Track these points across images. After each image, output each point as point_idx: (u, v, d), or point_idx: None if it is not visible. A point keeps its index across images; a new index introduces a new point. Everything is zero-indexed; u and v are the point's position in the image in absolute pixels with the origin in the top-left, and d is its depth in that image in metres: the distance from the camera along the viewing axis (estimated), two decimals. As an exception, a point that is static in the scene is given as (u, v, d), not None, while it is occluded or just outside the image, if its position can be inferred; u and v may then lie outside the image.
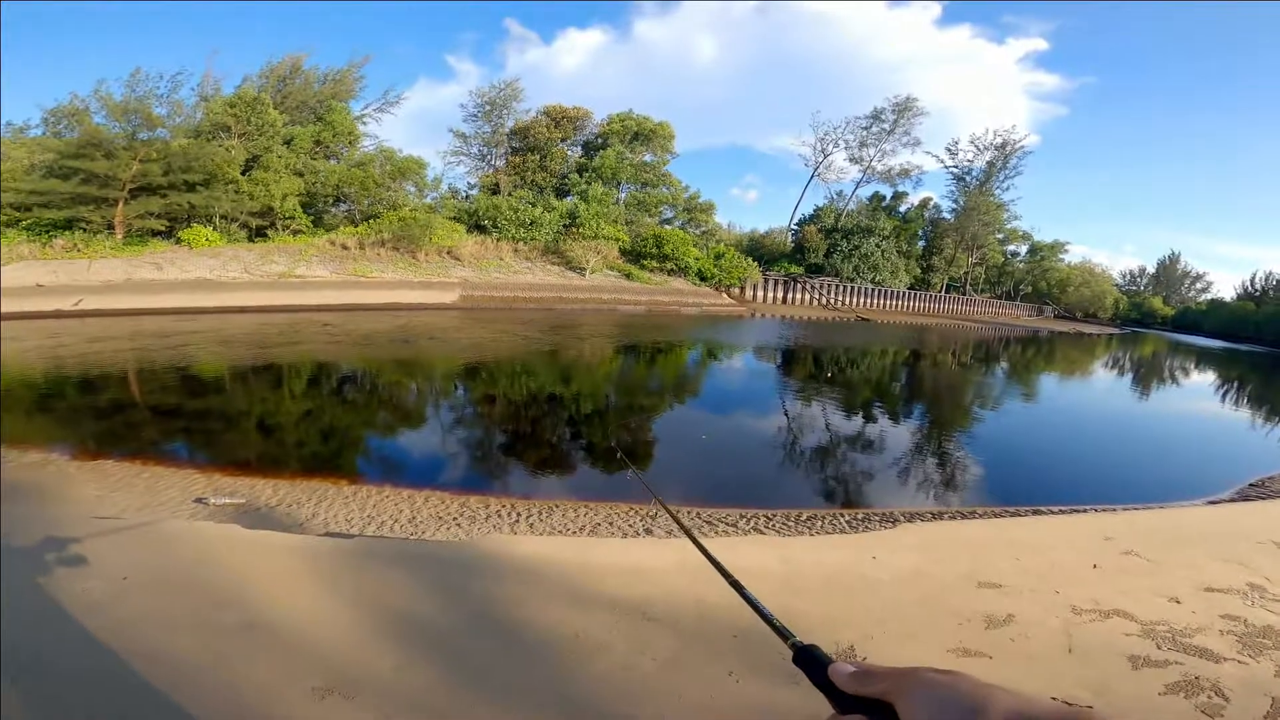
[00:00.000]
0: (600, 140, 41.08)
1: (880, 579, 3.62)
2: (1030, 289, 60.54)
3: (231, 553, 3.43)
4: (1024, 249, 60.75)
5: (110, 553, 3.32)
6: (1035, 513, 5.92)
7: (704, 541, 4.61)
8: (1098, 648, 2.99)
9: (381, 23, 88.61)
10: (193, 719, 2.08)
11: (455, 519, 4.87)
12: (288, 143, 29.86)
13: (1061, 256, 60.57)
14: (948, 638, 2.99)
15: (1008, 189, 51.82)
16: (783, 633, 0.71)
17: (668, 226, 39.89)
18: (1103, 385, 19.47)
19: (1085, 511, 5.90)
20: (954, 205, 52.59)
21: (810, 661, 0.61)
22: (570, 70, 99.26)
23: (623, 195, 40.28)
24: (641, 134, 40.88)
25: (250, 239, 26.57)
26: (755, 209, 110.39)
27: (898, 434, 9.47)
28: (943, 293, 51.27)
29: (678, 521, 1.49)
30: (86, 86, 27.83)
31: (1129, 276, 77.93)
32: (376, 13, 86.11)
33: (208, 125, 28.31)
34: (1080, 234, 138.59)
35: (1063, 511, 5.91)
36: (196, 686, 2.23)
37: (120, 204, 23.19)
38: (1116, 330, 54.76)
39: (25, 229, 22.19)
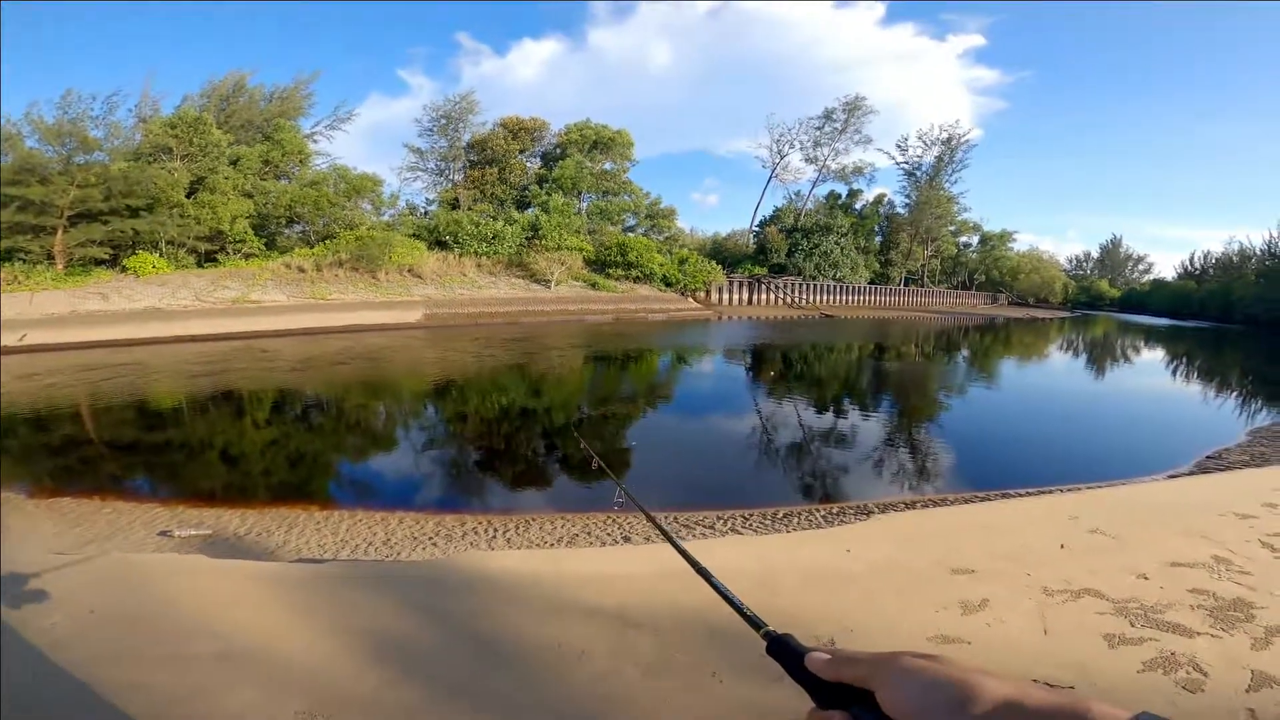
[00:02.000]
0: (559, 150, 41.13)
1: (856, 571, 3.65)
2: (984, 278, 62.66)
3: (200, 583, 3.37)
4: (975, 239, 63.03)
5: (74, 588, 3.26)
6: (1004, 496, 6.03)
7: (683, 546, 4.69)
8: (1073, 628, 3.03)
9: (329, 39, 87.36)
10: None
11: (431, 538, 4.82)
12: (234, 163, 28.98)
13: (1010, 245, 63.03)
14: (926, 626, 3.02)
15: (956, 182, 53.85)
16: (754, 622, 0.68)
17: (631, 234, 40.10)
18: (1059, 367, 20.28)
19: (1051, 492, 6.04)
20: (907, 200, 54.38)
21: (784, 651, 0.59)
22: (526, 81, 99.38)
23: (584, 205, 40.34)
24: (600, 142, 41.06)
25: (200, 264, 25.68)
26: (716, 212, 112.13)
27: (867, 427, 9.66)
28: (901, 286, 52.72)
29: (636, 504, 1.50)
30: (18, 108, 26.56)
31: (1075, 261, 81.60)
32: (322, 29, 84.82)
33: (148, 147, 27.27)
34: (1026, 223, 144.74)
35: (1029, 493, 6.02)
36: (174, 717, 2.22)
37: (59, 232, 22.18)
38: (1068, 314, 57.18)
39: (-45, 264, 21.05)
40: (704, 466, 7.50)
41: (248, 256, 26.92)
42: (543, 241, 33.52)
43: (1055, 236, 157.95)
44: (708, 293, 37.81)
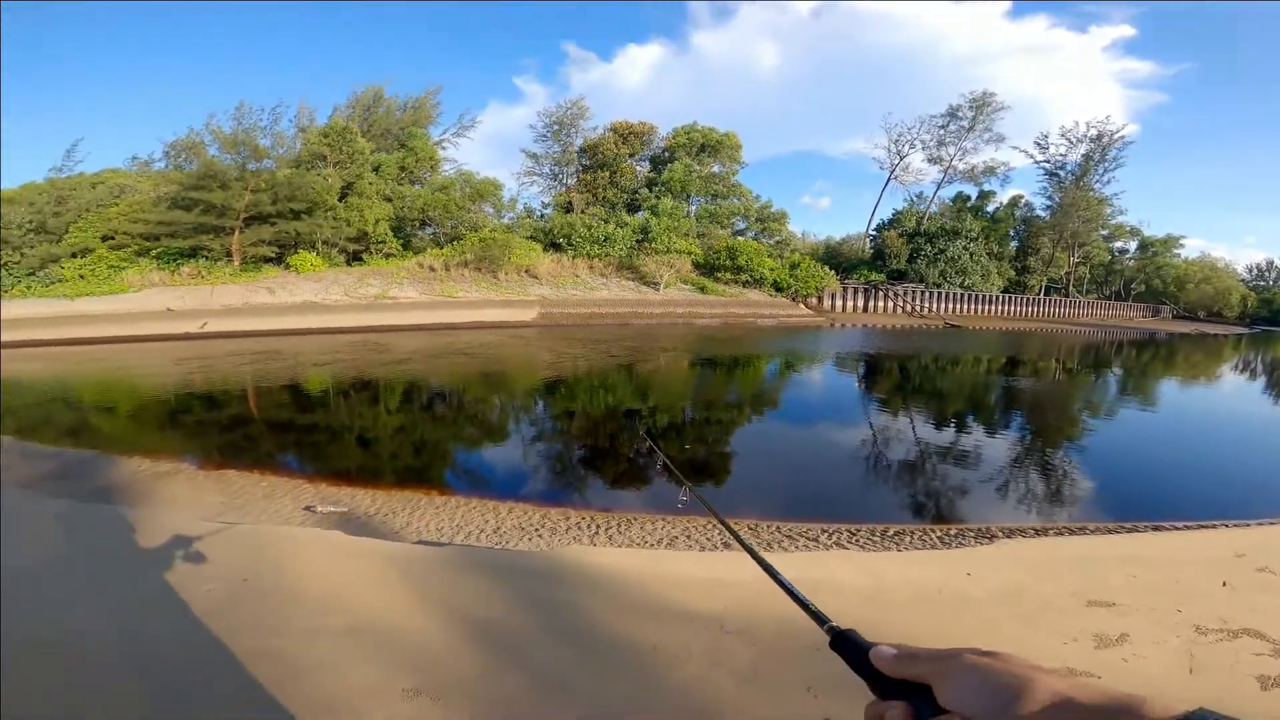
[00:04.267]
0: (667, 154, 41.25)
1: (975, 595, 3.45)
2: (1143, 288, 55.55)
3: (337, 559, 3.62)
4: (1133, 245, 55.97)
5: (231, 555, 3.56)
6: (1155, 529, 5.44)
7: (785, 556, 4.49)
8: (1223, 668, 2.79)
9: (448, 52, 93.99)
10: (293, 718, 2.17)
11: (537, 530, 4.92)
12: (376, 169, 31.79)
13: (1176, 252, 55.45)
14: (1051, 656, 2.80)
15: (1109, 182, 47.95)
16: (819, 617, 0.71)
17: (740, 238, 39.44)
18: (1231, 390, 17.35)
19: (1214, 527, 5.40)
20: (1048, 202, 49.18)
21: (848, 645, 0.61)
22: (633, 86, 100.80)
23: (693, 208, 40.20)
24: (708, 145, 40.75)
25: (348, 263, 28.43)
26: (829, 216, 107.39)
27: (992, 446, 8.78)
28: (1042, 295, 47.81)
29: (704, 503, 1.49)
30: (198, 120, 30.65)
31: (1255, 271, 69.84)
32: (442, 43, 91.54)
33: (306, 155, 30.55)
34: (1195, 228, 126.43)
35: (1187, 527, 5.44)
36: (301, 686, 2.33)
37: (236, 232, 25.42)
38: (1245, 330, 49.11)
39: (155, 257, 24.76)
40: (809, 477, 7.18)
41: (388, 256, 29.45)
42: (652, 244, 33.81)
43: (1230, 243, 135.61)
44: (820, 299, 36.37)
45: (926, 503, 6.51)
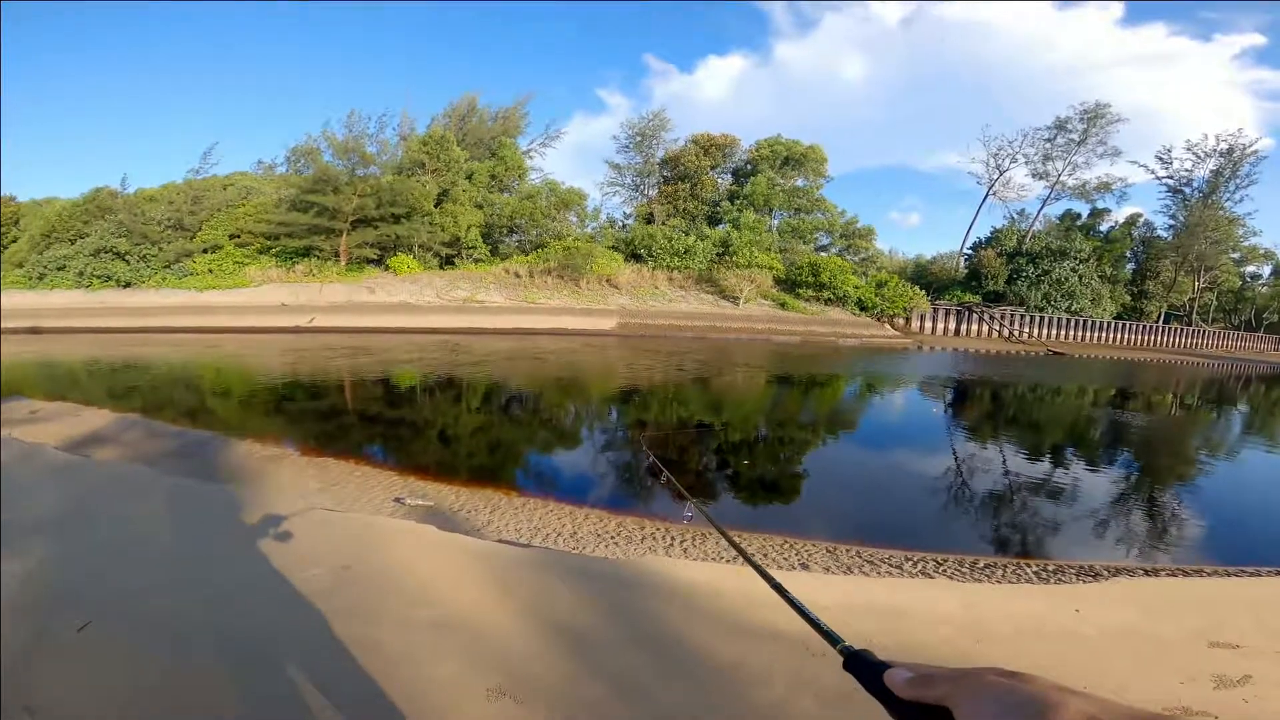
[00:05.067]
0: (750, 167, 40.77)
1: (1084, 633, 3.28)
2: (1277, 317, 49.43)
3: (427, 551, 3.71)
4: (1267, 270, 50.06)
5: (334, 542, 3.73)
6: None
7: (869, 581, 4.26)
8: None
9: (533, 64, 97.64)
10: (389, 707, 2.23)
11: (613, 537, 4.92)
12: (469, 177, 33.34)
13: (1317, 278, 48.85)
14: (1166, 696, 2.73)
15: (1240, 201, 43.02)
16: (831, 637, 0.70)
17: (824, 254, 38.36)
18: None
19: None
20: (1171, 221, 44.71)
21: (863, 666, 0.60)
22: (715, 98, 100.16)
23: (775, 222, 39.51)
24: (792, 158, 39.96)
25: (441, 266, 29.95)
26: (919, 233, 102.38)
27: (1095, 481, 7.99)
28: (1160, 323, 43.46)
29: (709, 518, 1.56)
30: (315, 126, 33.14)
31: None
32: (528, 56, 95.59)
33: (407, 162, 32.46)
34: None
35: None
36: (391, 678, 2.39)
37: (344, 234, 27.40)
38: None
39: (274, 255, 27.11)
40: (889, 502, 6.80)
41: (477, 261, 30.80)
42: (733, 258, 33.42)
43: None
44: (908, 320, 34.67)
45: (1020, 536, 6.05)
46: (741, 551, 1.17)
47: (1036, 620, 3.41)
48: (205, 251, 27.04)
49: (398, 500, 5.39)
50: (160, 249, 26.44)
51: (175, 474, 5.45)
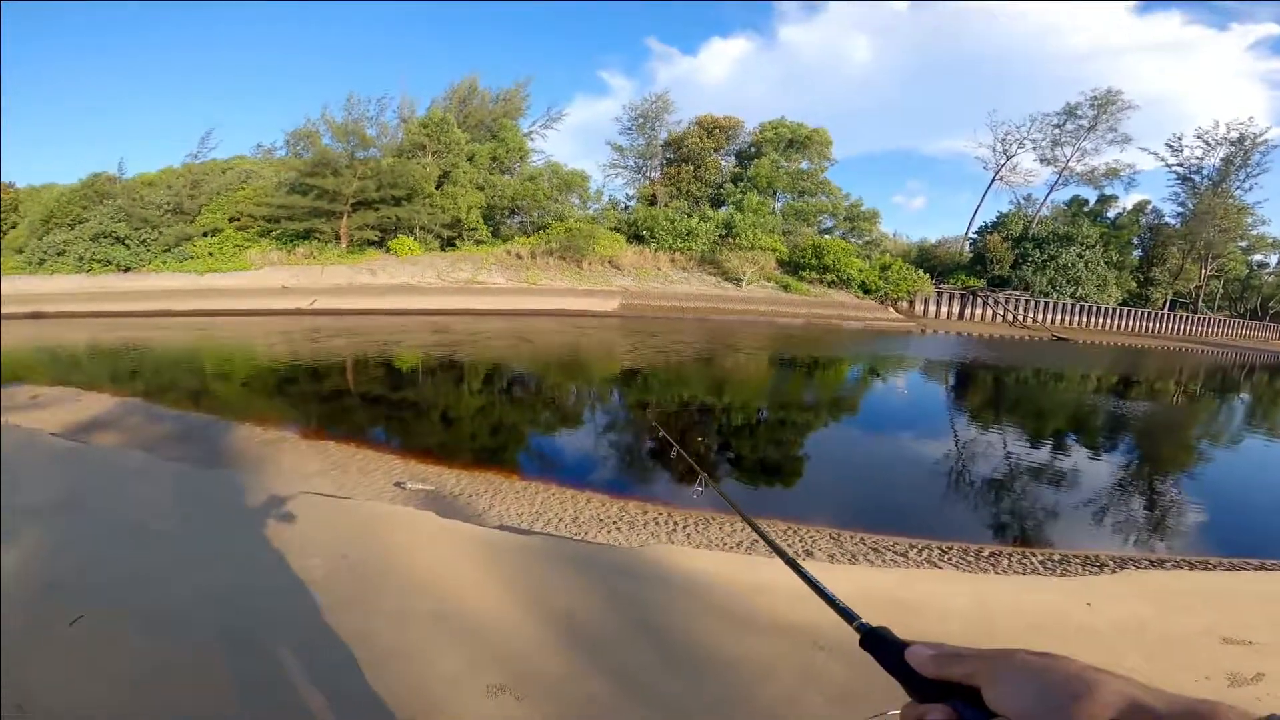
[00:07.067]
0: (754, 149, 40.19)
1: (1097, 627, 3.25)
2: (1284, 306, 49.06)
3: (427, 540, 3.66)
4: (1274, 259, 49.45)
5: (334, 529, 3.68)
6: None
7: (875, 571, 4.17)
8: None
9: (535, 46, 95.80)
10: (387, 703, 2.18)
11: (615, 522, 4.89)
12: (470, 159, 32.95)
13: (1326, 268, 48.30)
14: (1179, 693, 2.42)
15: (1250, 189, 42.48)
16: (848, 614, 0.68)
17: (827, 236, 37.96)
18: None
19: None
20: (1179, 209, 44.17)
21: (881, 644, 0.58)
22: (718, 80, 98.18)
23: (779, 205, 39.05)
24: (796, 141, 39.38)
25: (442, 248, 29.74)
26: (923, 216, 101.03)
27: (1096, 469, 7.97)
28: (1166, 310, 43.17)
29: (726, 498, 1.48)
30: (314, 110, 32.71)
31: None
32: (530, 37, 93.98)
33: (407, 144, 32.00)
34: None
35: None
36: (389, 671, 2.35)
37: (344, 216, 27.19)
38: None
39: (274, 238, 26.94)
40: (892, 488, 6.77)
41: (478, 243, 30.59)
42: (736, 240, 33.12)
43: None
44: (911, 303, 34.41)
45: (1024, 524, 6.06)
46: (753, 524, 1.10)
47: (1048, 615, 3.38)
48: (205, 235, 26.86)
49: (398, 484, 5.35)
50: (160, 233, 26.27)
51: (174, 459, 5.42)
